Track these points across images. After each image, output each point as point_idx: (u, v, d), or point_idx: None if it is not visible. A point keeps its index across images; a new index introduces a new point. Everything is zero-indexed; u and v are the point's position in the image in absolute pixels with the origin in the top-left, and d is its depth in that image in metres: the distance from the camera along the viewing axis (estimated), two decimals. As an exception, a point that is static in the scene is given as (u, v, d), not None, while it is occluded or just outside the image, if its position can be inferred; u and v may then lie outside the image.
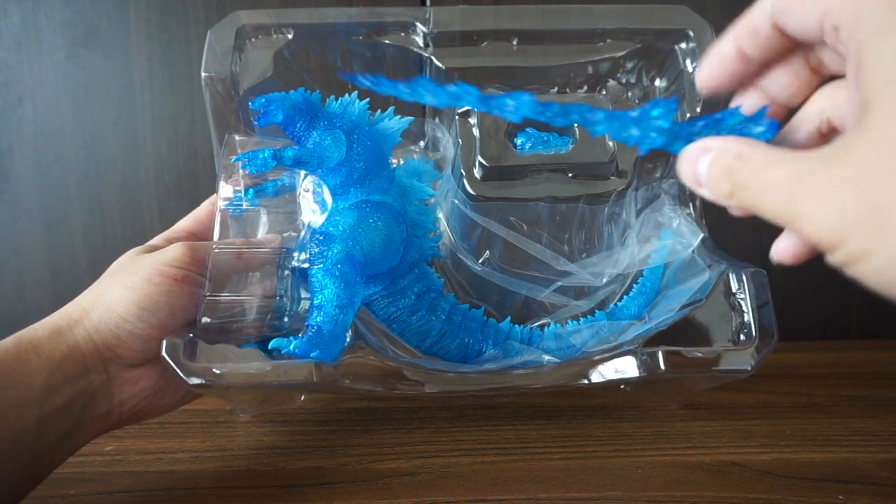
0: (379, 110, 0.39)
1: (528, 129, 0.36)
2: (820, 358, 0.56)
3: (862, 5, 0.18)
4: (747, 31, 0.21)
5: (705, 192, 0.21)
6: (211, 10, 0.55)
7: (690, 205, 0.45)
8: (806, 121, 0.22)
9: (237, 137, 0.41)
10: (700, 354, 0.38)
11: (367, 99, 0.38)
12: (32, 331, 0.32)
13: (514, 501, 0.33)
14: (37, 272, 0.58)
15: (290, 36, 0.42)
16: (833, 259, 0.18)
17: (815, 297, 0.61)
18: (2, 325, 0.33)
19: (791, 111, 0.23)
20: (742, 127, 0.21)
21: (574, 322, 0.42)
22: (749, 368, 0.37)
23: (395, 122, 0.39)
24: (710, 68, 0.23)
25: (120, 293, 0.33)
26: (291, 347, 0.34)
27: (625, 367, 0.38)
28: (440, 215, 0.43)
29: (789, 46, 0.21)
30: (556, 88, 0.44)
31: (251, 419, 0.43)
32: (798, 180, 0.18)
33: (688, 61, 0.43)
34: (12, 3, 0.55)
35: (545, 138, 0.40)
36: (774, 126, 0.21)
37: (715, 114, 0.22)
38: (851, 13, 0.18)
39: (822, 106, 0.22)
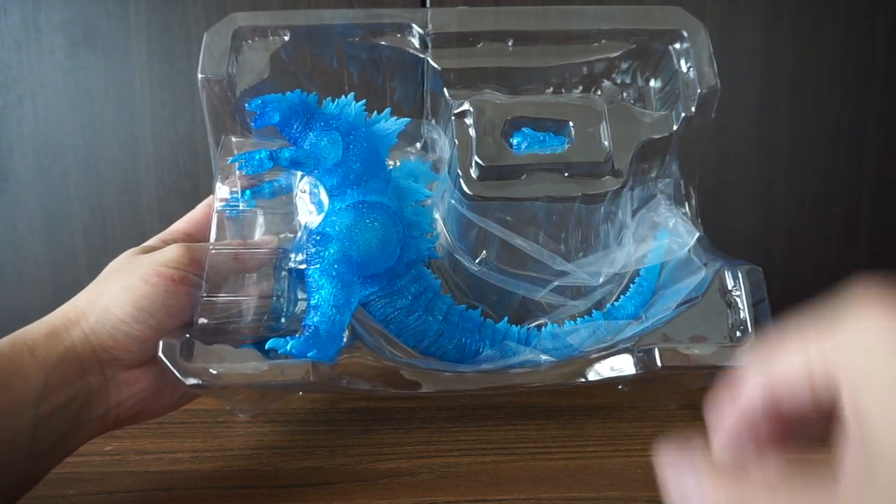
0: (375, 111, 0.39)
1: (525, 129, 0.36)
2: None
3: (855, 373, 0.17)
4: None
5: None
6: (211, 10, 0.55)
7: (686, 204, 0.45)
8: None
9: (234, 139, 0.41)
10: (696, 351, 0.38)
11: (364, 100, 0.38)
12: (28, 332, 0.32)
13: (514, 501, 0.33)
14: (37, 272, 0.58)
15: (286, 38, 0.42)
16: None
17: (814, 297, 0.61)
18: (2, 325, 0.33)
19: None
20: None
21: (571, 322, 0.42)
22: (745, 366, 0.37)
23: (391, 124, 0.39)
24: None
25: (117, 294, 0.33)
26: (288, 347, 0.34)
27: (621, 365, 0.38)
28: (437, 216, 0.43)
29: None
30: (551, 89, 0.44)
31: (250, 419, 0.43)
32: None
33: (682, 62, 0.43)
34: (12, 3, 0.55)
35: (541, 138, 0.40)
36: None
37: None
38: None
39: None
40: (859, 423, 0.17)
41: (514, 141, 0.38)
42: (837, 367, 0.17)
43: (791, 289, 0.58)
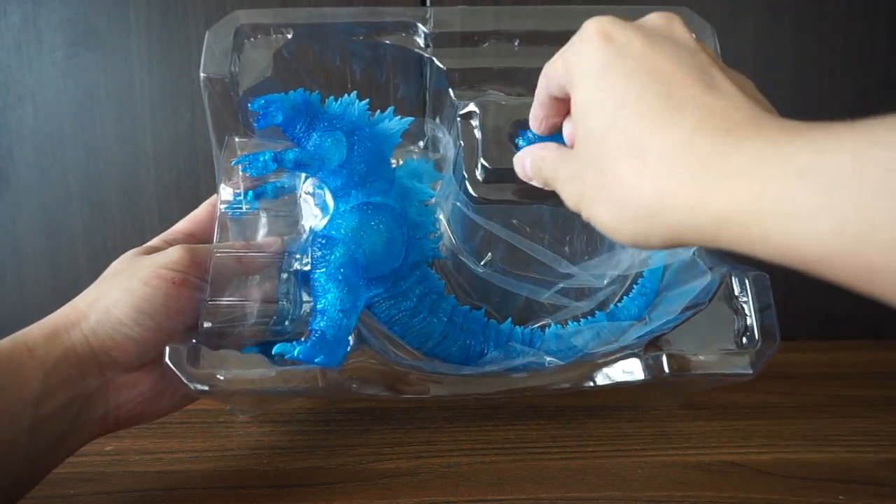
0: (378, 111, 0.39)
1: (530, 131, 0.36)
2: (820, 358, 0.56)
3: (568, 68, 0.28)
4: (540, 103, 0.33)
5: (534, 183, 0.34)
6: (211, 9, 0.55)
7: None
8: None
9: (237, 139, 0.41)
10: (703, 358, 0.38)
11: (368, 99, 0.38)
12: (28, 333, 0.32)
13: (514, 501, 0.33)
14: (37, 272, 0.58)
15: (289, 36, 0.42)
16: (563, 193, 0.30)
17: (815, 297, 0.61)
18: (1, 326, 0.33)
19: None
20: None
21: (574, 323, 0.42)
22: (751, 372, 0.37)
23: (395, 123, 0.39)
24: (538, 122, 0.34)
25: (117, 296, 0.33)
26: (295, 353, 0.34)
27: (630, 371, 0.38)
28: (440, 216, 0.43)
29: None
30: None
31: (250, 419, 0.43)
32: (562, 171, 0.30)
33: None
34: (12, 3, 0.55)
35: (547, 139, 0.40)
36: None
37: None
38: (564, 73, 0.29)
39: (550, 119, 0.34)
40: (573, 101, 0.28)
41: (520, 142, 0.38)
42: (570, 67, 0.28)
43: (792, 290, 0.58)
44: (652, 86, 0.25)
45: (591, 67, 0.27)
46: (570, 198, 0.29)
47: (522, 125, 0.35)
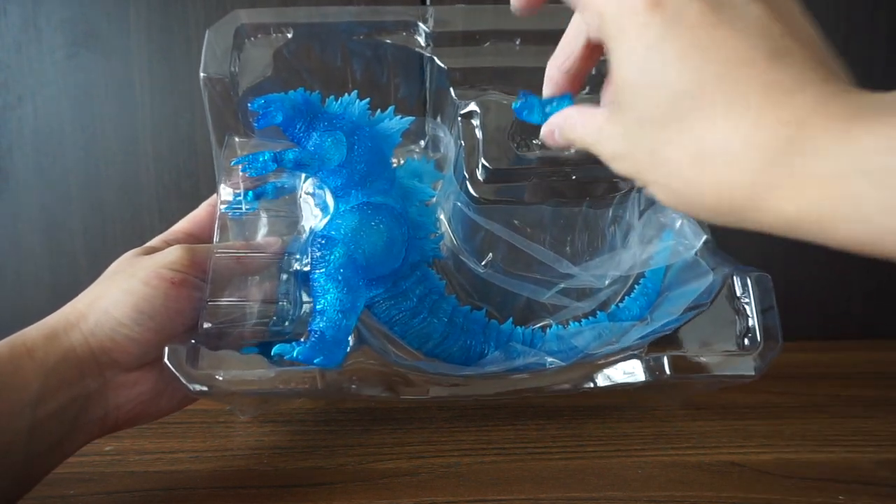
0: (379, 110, 0.39)
1: (528, 93, 0.33)
2: (820, 358, 0.56)
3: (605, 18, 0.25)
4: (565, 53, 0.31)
5: (560, 143, 0.31)
6: (211, 9, 0.55)
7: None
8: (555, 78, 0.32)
9: (237, 139, 0.41)
10: (705, 359, 0.38)
11: (368, 99, 0.38)
12: (27, 334, 0.32)
13: (514, 501, 0.33)
14: (37, 272, 0.58)
15: (289, 35, 0.42)
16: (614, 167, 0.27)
17: (815, 297, 0.61)
18: (1, 326, 0.33)
19: None
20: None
21: (576, 323, 0.42)
22: (753, 373, 0.37)
23: (395, 123, 0.39)
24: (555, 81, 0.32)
25: (117, 296, 0.33)
26: (295, 353, 0.34)
27: (631, 372, 0.38)
28: (441, 216, 0.43)
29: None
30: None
31: (251, 419, 0.43)
32: (607, 145, 0.27)
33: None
34: (12, 3, 0.55)
35: (547, 102, 0.33)
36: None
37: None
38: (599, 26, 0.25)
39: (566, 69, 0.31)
40: (611, 56, 0.25)
41: (516, 106, 0.33)
42: (607, 31, 0.25)
43: (792, 290, 0.58)
44: (710, 65, 0.22)
45: (636, 44, 0.24)
46: (622, 171, 0.27)
47: (521, 91, 0.33)
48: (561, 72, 0.31)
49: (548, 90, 0.32)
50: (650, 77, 0.24)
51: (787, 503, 0.33)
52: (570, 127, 0.30)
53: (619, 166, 0.27)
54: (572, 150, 0.34)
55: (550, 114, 0.31)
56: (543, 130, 0.32)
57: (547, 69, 0.32)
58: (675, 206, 0.25)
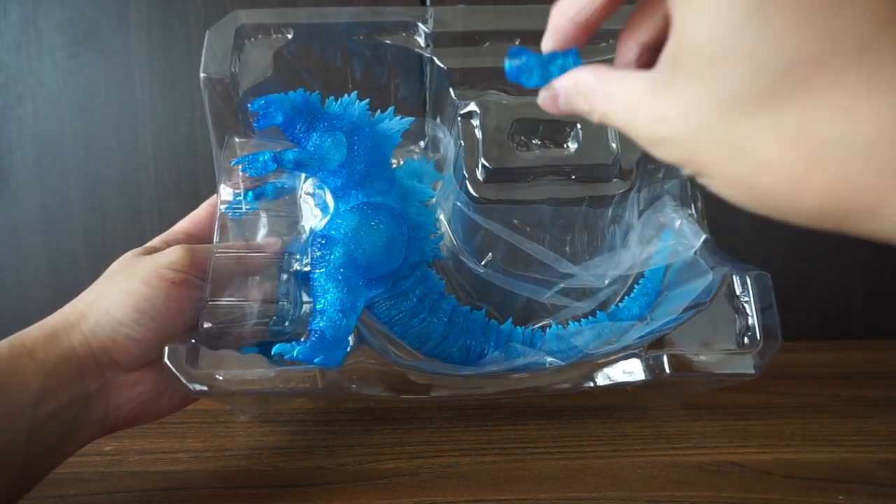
0: (379, 110, 0.39)
1: (522, 49, 0.27)
2: (820, 358, 0.56)
3: None
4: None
5: (563, 111, 0.26)
6: (211, 9, 0.55)
7: (693, 205, 0.45)
8: (628, 48, 0.26)
9: (237, 139, 0.41)
10: (704, 358, 0.38)
11: (368, 99, 0.38)
12: (27, 334, 0.32)
13: (514, 501, 0.33)
14: (37, 272, 0.58)
15: (290, 35, 0.42)
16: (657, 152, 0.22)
17: (815, 297, 0.61)
18: (1, 326, 0.33)
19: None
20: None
21: (575, 323, 0.42)
22: (753, 372, 0.37)
23: (395, 123, 0.39)
24: (562, 32, 0.26)
25: (117, 296, 0.33)
26: (295, 353, 0.34)
27: (631, 371, 0.38)
28: (441, 216, 0.43)
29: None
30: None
31: (250, 419, 0.43)
32: (635, 105, 0.22)
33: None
34: (12, 3, 0.55)
35: (545, 59, 0.27)
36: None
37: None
38: None
39: (640, 38, 0.25)
40: (676, 6, 0.20)
41: (508, 66, 0.27)
42: None
43: (792, 290, 0.58)
44: (844, 24, 0.17)
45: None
46: (669, 158, 0.22)
47: (513, 48, 0.27)
48: (573, 22, 0.25)
49: (550, 43, 0.26)
50: (749, 40, 0.18)
51: (787, 503, 0.33)
52: (582, 95, 0.24)
53: (667, 152, 0.21)
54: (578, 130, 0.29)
55: (554, 75, 0.26)
56: (543, 95, 0.26)
57: (551, 18, 0.25)
58: (753, 206, 0.20)
